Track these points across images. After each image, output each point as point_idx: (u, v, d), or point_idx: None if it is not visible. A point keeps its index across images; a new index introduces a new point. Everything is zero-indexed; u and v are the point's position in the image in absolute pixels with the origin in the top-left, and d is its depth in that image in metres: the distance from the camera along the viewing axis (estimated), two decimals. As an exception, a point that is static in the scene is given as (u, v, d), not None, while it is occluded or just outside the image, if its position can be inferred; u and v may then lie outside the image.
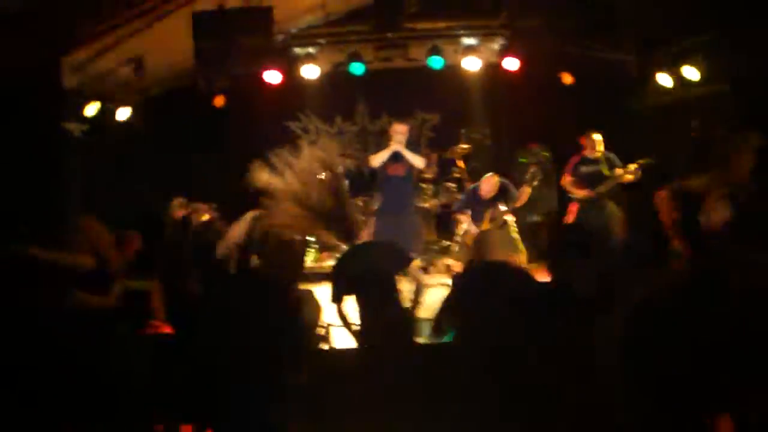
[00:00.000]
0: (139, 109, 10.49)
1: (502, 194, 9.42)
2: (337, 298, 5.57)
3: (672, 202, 7.98)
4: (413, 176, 9.17)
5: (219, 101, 10.86)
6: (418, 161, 8.79)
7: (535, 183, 9.64)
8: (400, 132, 8.69)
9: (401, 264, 5.63)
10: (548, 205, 11.47)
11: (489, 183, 9.40)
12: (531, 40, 10.08)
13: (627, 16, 10.25)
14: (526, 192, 9.54)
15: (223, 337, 4.13)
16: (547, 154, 11.77)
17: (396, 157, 8.66)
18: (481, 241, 5.33)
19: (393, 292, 5.65)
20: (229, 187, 9.03)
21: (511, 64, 10.60)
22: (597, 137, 9.28)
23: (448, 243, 10.70)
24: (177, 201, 9.34)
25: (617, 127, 10.08)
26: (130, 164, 10.42)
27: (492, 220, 9.36)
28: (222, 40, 9.18)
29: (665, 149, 10.06)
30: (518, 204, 9.50)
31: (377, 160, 8.72)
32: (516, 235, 8.98)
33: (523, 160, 11.64)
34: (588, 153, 9.35)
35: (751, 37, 8.52)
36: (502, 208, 9.33)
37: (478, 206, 9.46)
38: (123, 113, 10.24)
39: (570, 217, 9.34)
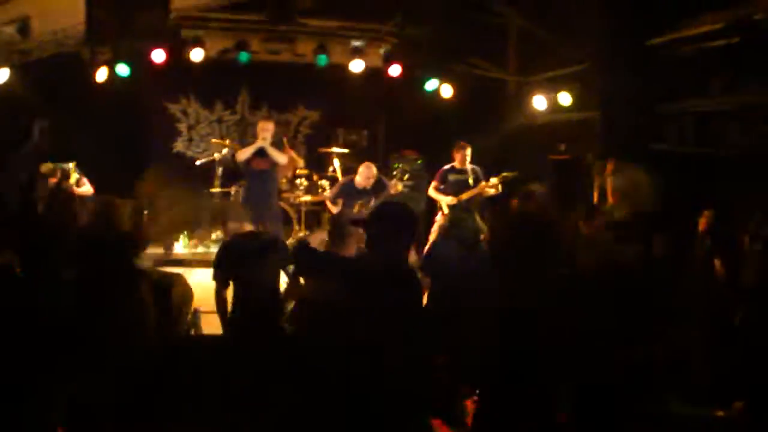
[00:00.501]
0: (19, 72, 10.07)
1: (377, 186, 9.51)
2: (222, 283, 5.63)
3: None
4: (277, 171, 9.47)
5: (102, 74, 10.52)
6: (281, 159, 9.17)
7: (405, 180, 9.82)
8: (266, 129, 9.06)
9: (283, 255, 5.72)
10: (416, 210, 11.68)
11: (368, 170, 9.41)
12: (416, 50, 10.33)
13: (511, 40, 10.68)
14: (396, 187, 9.73)
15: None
16: (421, 162, 12.00)
17: (261, 152, 9.01)
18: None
19: (273, 280, 5.75)
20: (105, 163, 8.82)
21: (395, 70, 10.80)
22: (467, 150, 9.59)
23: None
24: (45, 167, 8.98)
25: (491, 142, 10.44)
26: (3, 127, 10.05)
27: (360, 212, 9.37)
28: (115, 13, 9.05)
29: (532, 169, 10.55)
30: (391, 195, 9.55)
31: (243, 155, 9.07)
32: None
33: (397, 166, 11.82)
34: (457, 164, 9.66)
35: (621, 71, 9.05)
36: (373, 203, 9.37)
37: (351, 197, 9.49)
38: (2, 75, 9.79)
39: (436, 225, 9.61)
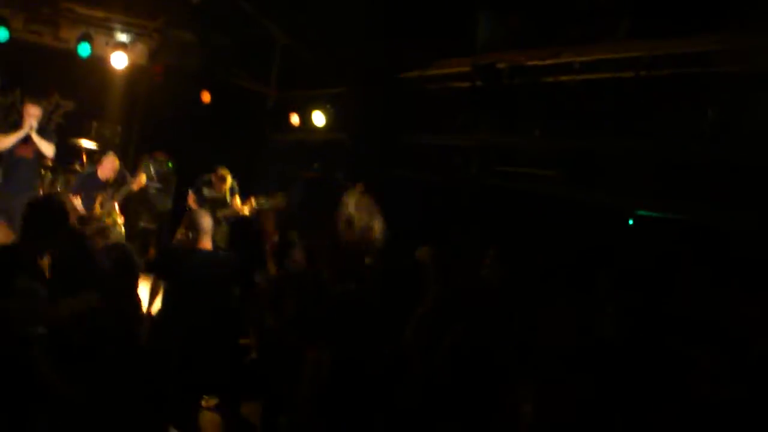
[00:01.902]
0: None
1: (119, 179, 9.37)
2: None
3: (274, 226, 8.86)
4: (39, 160, 9.02)
5: None
6: (48, 149, 8.69)
7: (153, 181, 9.73)
8: (33, 115, 8.49)
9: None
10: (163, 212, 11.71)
11: (110, 162, 9.25)
12: (179, 52, 10.41)
13: (275, 55, 11.01)
14: (140, 181, 9.50)
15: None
16: (171, 165, 11.98)
17: (26, 139, 8.47)
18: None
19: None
20: None
21: (155, 69, 10.78)
22: (226, 182, 9.72)
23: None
24: None
25: (246, 153, 10.72)
26: None
27: (102, 205, 9.21)
28: None
29: (283, 182, 10.94)
30: (132, 189, 9.49)
31: (7, 142, 8.43)
32: (120, 234, 8.91)
33: (146, 165, 11.72)
34: (215, 186, 9.79)
35: (372, 99, 9.65)
36: (115, 203, 9.22)
37: (92, 189, 9.19)
38: None
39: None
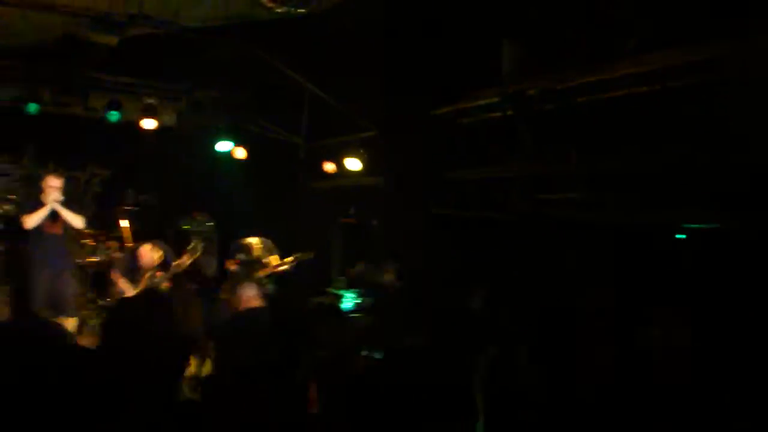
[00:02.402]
0: None
1: (162, 266, 9.33)
2: None
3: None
4: (70, 234, 8.77)
5: None
6: (77, 221, 8.46)
7: (197, 255, 9.72)
8: (54, 186, 8.25)
9: None
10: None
11: (148, 256, 9.13)
12: (207, 110, 10.46)
13: (305, 105, 11.01)
14: (184, 263, 9.34)
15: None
16: (212, 224, 11.99)
17: (53, 215, 8.23)
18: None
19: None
20: None
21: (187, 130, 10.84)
22: (249, 244, 9.52)
23: (104, 302, 10.37)
24: None
25: (285, 202, 10.68)
26: None
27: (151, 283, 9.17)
28: None
29: (322, 231, 10.88)
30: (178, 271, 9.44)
31: (33, 220, 8.16)
32: None
33: (186, 227, 11.75)
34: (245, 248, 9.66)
35: (405, 139, 9.57)
36: (159, 274, 9.17)
37: (136, 271, 9.19)
38: None
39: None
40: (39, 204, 8.26)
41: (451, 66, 8.54)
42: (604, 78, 6.94)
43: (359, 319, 8.70)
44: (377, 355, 5.66)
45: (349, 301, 9.55)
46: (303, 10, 8.18)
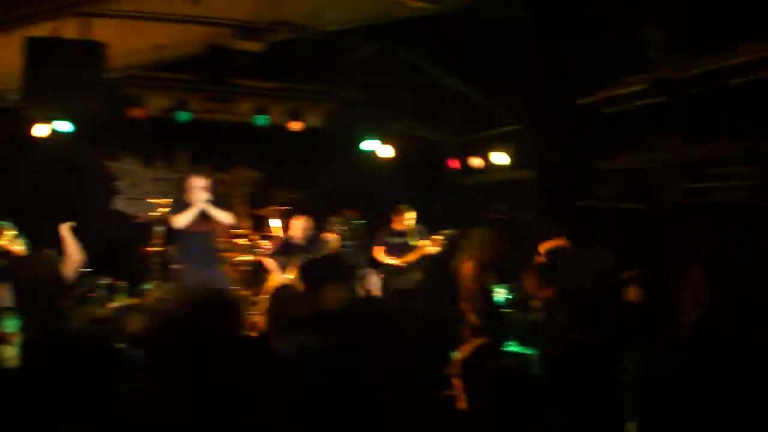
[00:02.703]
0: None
1: (313, 241, 9.50)
2: None
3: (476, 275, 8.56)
4: (220, 232, 8.97)
5: (40, 130, 10.30)
6: (225, 218, 8.53)
7: (348, 240, 9.81)
8: (199, 186, 8.33)
9: None
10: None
11: (302, 221, 9.46)
12: (351, 110, 10.48)
13: (447, 101, 10.87)
14: (334, 239, 9.66)
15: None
16: (361, 222, 12.02)
17: (202, 213, 8.31)
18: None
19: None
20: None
21: (333, 130, 10.89)
22: (405, 214, 9.76)
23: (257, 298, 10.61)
24: None
25: (433, 200, 10.58)
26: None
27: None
28: (53, 70, 8.60)
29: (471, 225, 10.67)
30: (327, 250, 9.52)
31: (182, 220, 8.26)
32: None
33: (338, 226, 11.84)
34: (396, 225, 9.75)
35: (552, 131, 9.28)
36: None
37: (289, 254, 9.38)
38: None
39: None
40: (187, 205, 8.38)
41: (594, 55, 8.22)
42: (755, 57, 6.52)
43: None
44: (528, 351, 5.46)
45: (500, 295, 9.42)
46: (438, 6, 8.05)
